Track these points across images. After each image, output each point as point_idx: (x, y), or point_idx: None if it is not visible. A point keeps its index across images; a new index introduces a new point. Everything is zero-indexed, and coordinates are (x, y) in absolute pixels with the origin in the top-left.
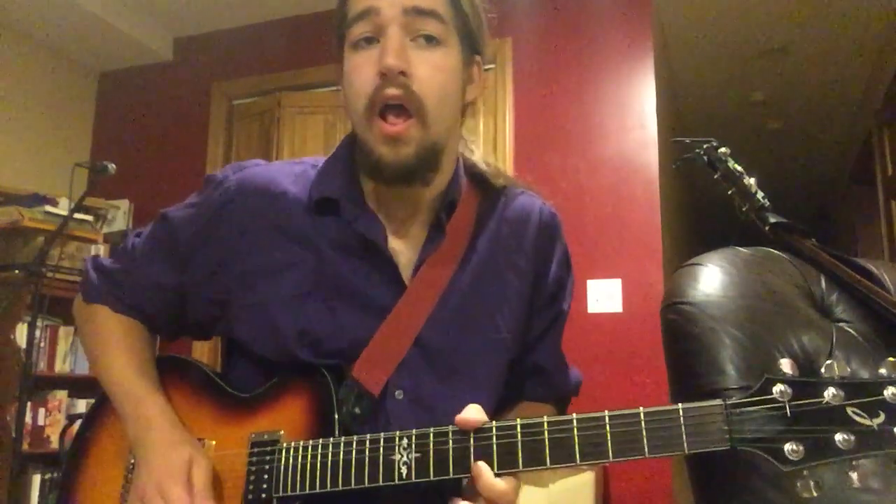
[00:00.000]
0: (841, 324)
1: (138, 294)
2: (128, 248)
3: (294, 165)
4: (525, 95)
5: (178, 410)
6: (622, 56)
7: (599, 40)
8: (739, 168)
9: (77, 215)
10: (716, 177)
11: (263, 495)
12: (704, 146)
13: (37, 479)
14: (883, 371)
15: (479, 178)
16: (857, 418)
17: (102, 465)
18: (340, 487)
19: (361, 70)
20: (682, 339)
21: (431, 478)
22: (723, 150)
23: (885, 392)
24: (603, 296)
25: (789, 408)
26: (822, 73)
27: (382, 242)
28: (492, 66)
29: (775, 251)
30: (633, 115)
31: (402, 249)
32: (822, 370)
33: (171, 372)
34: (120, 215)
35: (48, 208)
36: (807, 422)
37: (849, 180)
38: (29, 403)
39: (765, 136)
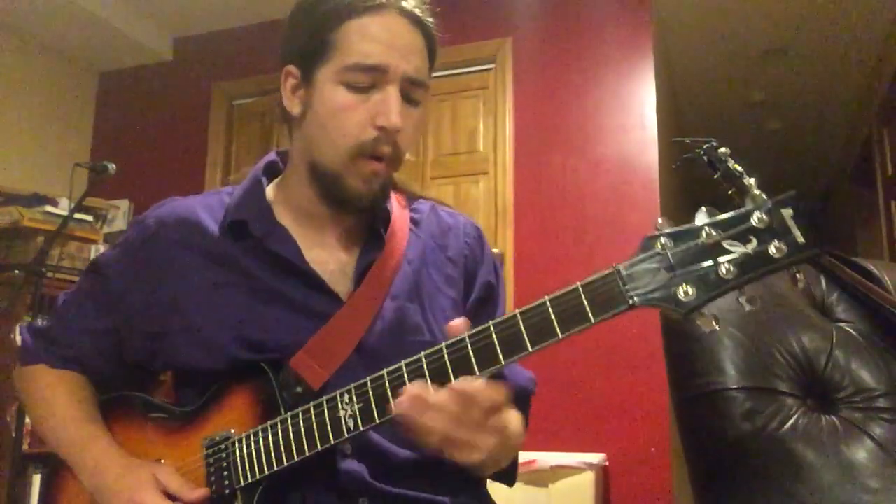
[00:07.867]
0: (841, 324)
1: (74, 345)
2: (58, 305)
3: (210, 196)
4: (525, 95)
5: (129, 443)
6: (622, 56)
7: (599, 40)
8: (739, 168)
9: (77, 215)
10: (716, 177)
11: (227, 491)
12: (704, 146)
13: (37, 479)
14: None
15: (401, 189)
16: (734, 248)
17: None
18: (296, 458)
19: (354, 113)
20: (682, 339)
21: (377, 421)
22: (723, 150)
23: (752, 219)
24: None
25: (671, 255)
26: (822, 73)
27: (296, 257)
28: (492, 66)
29: None
30: (633, 115)
31: (331, 259)
32: (696, 215)
33: (116, 409)
34: (120, 215)
35: (48, 208)
36: (690, 263)
37: (849, 180)
38: None
39: (765, 136)
